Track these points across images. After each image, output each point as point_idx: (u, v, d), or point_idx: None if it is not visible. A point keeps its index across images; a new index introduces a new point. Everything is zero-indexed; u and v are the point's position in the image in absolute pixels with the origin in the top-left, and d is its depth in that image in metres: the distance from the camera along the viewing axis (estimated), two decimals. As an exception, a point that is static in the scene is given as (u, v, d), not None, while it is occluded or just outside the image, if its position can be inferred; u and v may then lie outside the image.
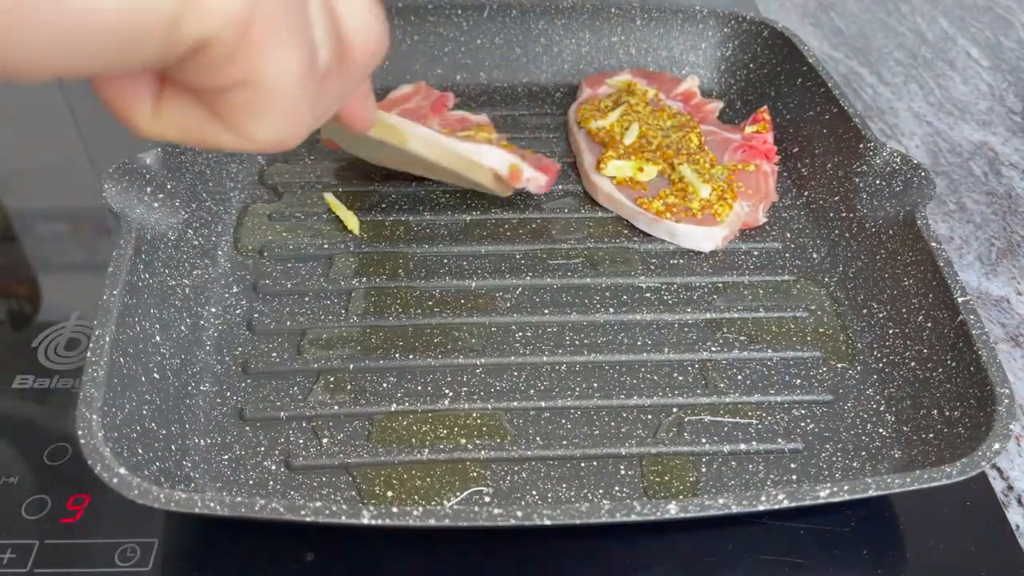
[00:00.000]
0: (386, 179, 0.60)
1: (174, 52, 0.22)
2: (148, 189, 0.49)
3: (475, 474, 0.43)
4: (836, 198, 0.57)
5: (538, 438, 0.45)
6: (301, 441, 0.44)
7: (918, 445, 0.43)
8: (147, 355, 0.43)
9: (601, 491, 0.42)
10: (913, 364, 0.46)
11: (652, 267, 0.55)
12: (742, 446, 0.44)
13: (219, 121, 0.26)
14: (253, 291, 0.51)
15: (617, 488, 0.42)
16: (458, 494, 0.42)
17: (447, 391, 0.47)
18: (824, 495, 0.36)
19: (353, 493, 0.42)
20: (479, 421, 0.45)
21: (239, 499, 0.35)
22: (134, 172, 0.48)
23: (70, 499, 0.42)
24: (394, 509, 0.34)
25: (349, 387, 0.46)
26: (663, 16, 0.69)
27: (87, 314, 0.52)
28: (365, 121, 0.35)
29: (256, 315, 0.50)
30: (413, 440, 0.44)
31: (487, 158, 0.54)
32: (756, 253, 0.56)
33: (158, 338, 0.44)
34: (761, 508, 0.36)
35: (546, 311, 0.51)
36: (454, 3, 0.68)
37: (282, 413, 0.45)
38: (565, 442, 0.44)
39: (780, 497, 0.36)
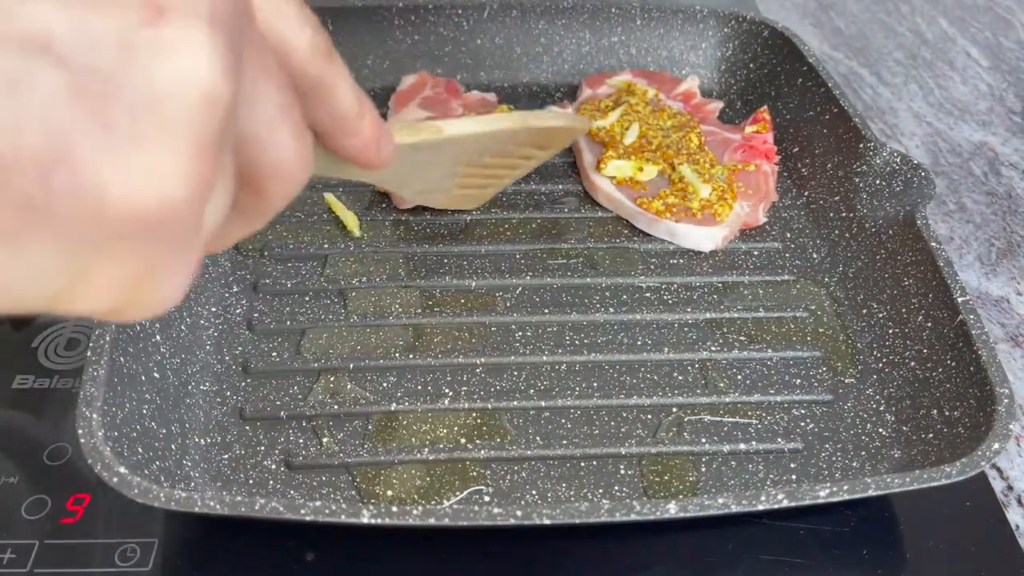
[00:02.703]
0: (386, 179, 0.60)
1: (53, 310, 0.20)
2: (148, 189, 0.49)
3: (475, 474, 0.43)
4: (836, 198, 0.57)
5: (538, 438, 0.45)
6: (301, 441, 0.44)
7: (918, 445, 0.43)
8: (147, 354, 0.43)
9: (601, 491, 0.42)
10: (913, 364, 0.46)
11: (652, 267, 0.55)
12: (742, 446, 0.44)
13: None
14: (253, 291, 0.51)
15: (617, 488, 0.42)
16: (458, 494, 0.42)
17: (447, 391, 0.47)
18: (824, 495, 0.36)
19: (353, 493, 0.42)
20: (479, 421, 0.45)
21: (239, 498, 0.35)
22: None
23: (70, 499, 0.42)
24: (394, 509, 0.34)
25: (349, 387, 0.46)
26: (663, 16, 0.69)
27: (87, 314, 0.51)
28: (382, 157, 0.30)
29: (256, 315, 0.50)
30: (413, 440, 0.44)
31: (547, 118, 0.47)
32: (756, 253, 0.56)
33: (158, 337, 0.44)
34: (761, 508, 0.36)
35: (546, 311, 0.51)
36: (454, 3, 0.68)
37: (282, 412, 0.45)
38: (565, 442, 0.44)
39: (780, 497, 0.36)
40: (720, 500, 0.36)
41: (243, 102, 0.21)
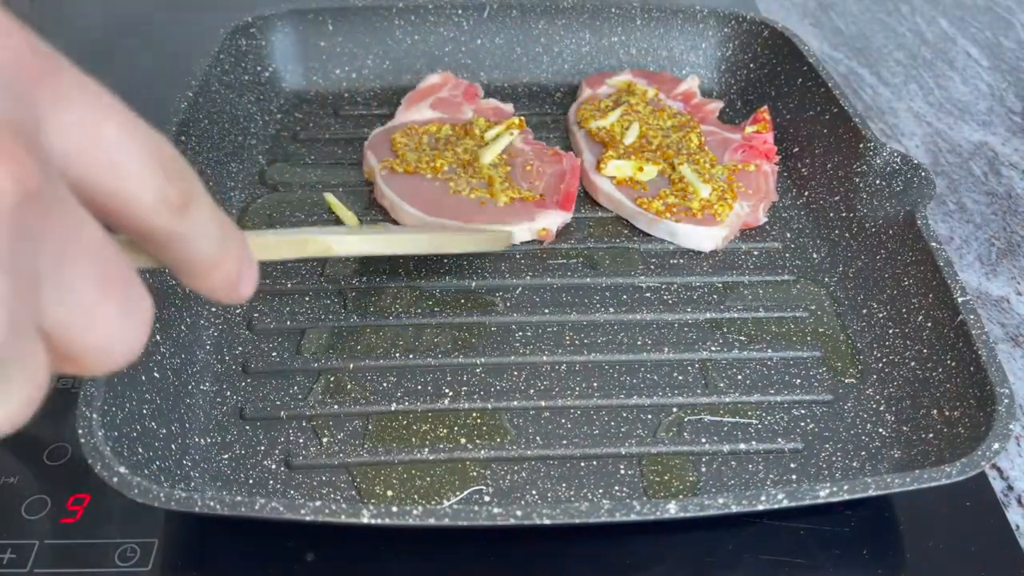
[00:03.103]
0: (386, 179, 0.60)
1: None
2: (148, 189, 0.49)
3: (475, 474, 0.43)
4: (836, 198, 0.57)
5: (538, 438, 0.45)
6: (301, 440, 0.44)
7: (918, 445, 0.43)
8: (147, 354, 0.43)
9: (601, 491, 0.42)
10: (913, 364, 0.46)
11: (652, 267, 0.55)
12: (742, 446, 0.44)
13: None
14: (253, 291, 0.51)
15: (617, 488, 0.42)
16: (458, 494, 0.42)
17: (447, 391, 0.47)
18: (824, 495, 0.36)
19: (353, 493, 0.42)
20: (479, 421, 0.45)
21: (239, 498, 0.35)
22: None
23: (70, 499, 0.42)
24: (394, 509, 0.34)
25: (349, 387, 0.46)
26: (663, 16, 0.69)
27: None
28: (240, 294, 0.27)
29: (256, 315, 0.50)
30: (413, 439, 0.44)
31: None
32: (756, 253, 0.56)
33: (158, 337, 0.44)
34: (761, 508, 0.36)
35: (546, 311, 0.51)
36: (454, 3, 0.68)
37: (282, 412, 0.45)
38: (565, 442, 0.44)
39: (780, 497, 0.36)
40: (720, 500, 0.36)
41: (44, 287, 0.19)
